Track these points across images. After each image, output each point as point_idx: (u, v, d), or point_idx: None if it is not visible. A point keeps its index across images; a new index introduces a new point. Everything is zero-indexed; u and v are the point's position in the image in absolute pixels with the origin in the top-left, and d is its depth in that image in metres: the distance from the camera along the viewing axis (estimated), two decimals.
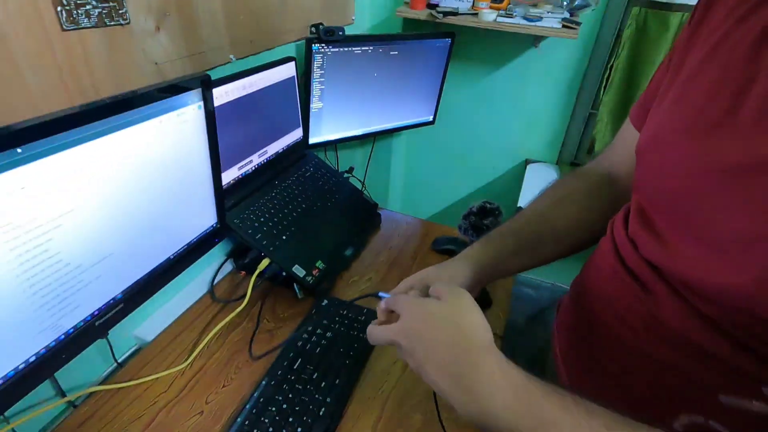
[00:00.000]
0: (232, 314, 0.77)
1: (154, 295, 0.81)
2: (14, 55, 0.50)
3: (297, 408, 0.65)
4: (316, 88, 1.07)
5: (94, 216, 0.55)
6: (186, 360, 0.72)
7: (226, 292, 0.88)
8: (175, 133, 0.63)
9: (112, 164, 0.55)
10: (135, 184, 0.59)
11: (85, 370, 0.70)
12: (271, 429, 0.62)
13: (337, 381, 0.70)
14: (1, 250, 0.45)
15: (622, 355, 0.45)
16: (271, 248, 0.86)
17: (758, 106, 0.35)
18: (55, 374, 0.65)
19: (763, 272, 0.32)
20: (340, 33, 1.03)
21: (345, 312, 0.83)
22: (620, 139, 0.57)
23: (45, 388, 0.65)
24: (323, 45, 1.01)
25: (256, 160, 0.95)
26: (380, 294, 0.52)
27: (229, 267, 0.95)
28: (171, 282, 0.86)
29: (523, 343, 0.80)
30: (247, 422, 0.63)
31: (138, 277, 0.66)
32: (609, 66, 1.50)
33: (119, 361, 0.74)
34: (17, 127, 0.43)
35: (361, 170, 1.48)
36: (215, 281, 0.90)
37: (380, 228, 1.11)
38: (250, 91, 0.88)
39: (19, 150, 0.44)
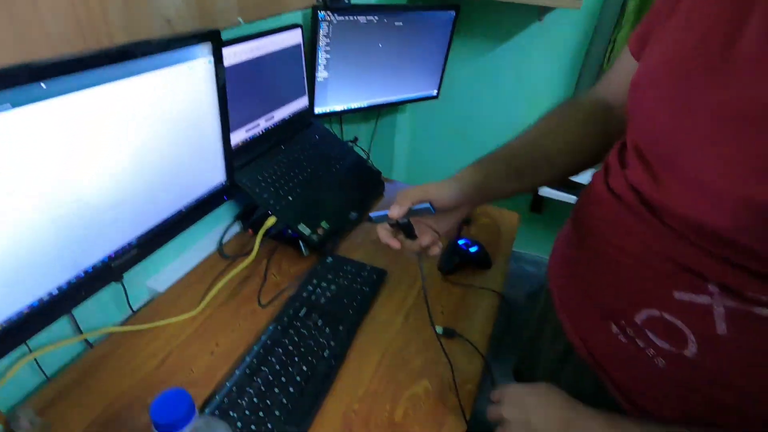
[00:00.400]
0: (241, 266, 0.80)
1: (167, 250, 0.85)
2: (37, 3, 0.52)
3: (302, 349, 0.69)
4: (321, 57, 1.09)
5: (111, 159, 0.58)
6: (197, 307, 0.76)
7: (235, 249, 0.91)
8: (187, 85, 0.66)
9: (128, 109, 0.57)
10: (148, 132, 0.62)
11: (102, 317, 0.74)
12: (278, 367, 0.66)
13: (340, 327, 0.73)
14: (28, 183, 0.48)
15: (601, 266, 0.49)
16: (278, 207, 0.89)
17: (746, 50, 0.36)
18: (75, 319, 0.69)
19: (738, 215, 0.36)
20: (346, 1, 1.05)
21: (349, 268, 0.86)
22: (617, 68, 0.58)
23: (64, 328, 0.68)
24: (329, 13, 1.03)
25: (263, 124, 0.98)
26: (371, 215, 0.56)
27: (236, 228, 0.98)
28: (182, 237, 0.89)
29: (521, 320, 0.83)
30: (255, 360, 0.66)
31: (151, 225, 0.69)
32: (613, 39, 1.50)
33: (134, 308, 0.77)
34: (41, 63, 0.46)
35: (365, 145, 1.50)
36: (224, 240, 0.93)
37: (383, 195, 1.14)
38: (257, 54, 0.90)
39: (43, 85, 0.47)
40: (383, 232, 0.58)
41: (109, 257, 0.64)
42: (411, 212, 0.54)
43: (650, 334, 0.44)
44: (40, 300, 0.55)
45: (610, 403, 0.51)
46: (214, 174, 0.80)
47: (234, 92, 0.85)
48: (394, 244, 0.57)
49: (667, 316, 0.42)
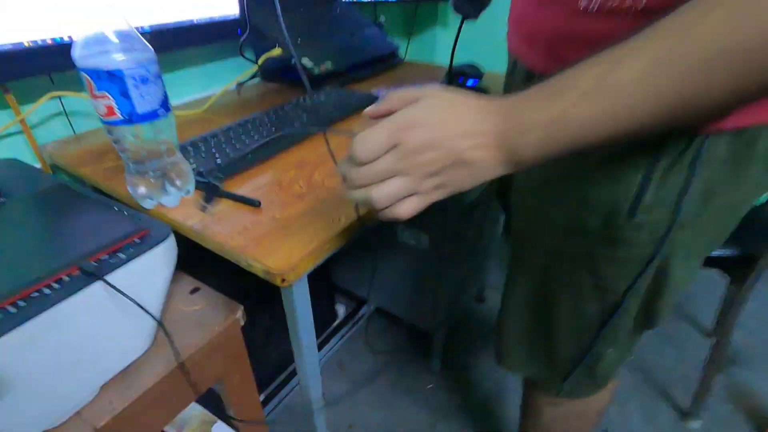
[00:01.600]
0: (239, 78, 0.89)
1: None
2: None
3: (268, 124, 0.75)
4: None
5: None
6: (202, 107, 0.86)
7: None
8: None
9: None
10: None
11: None
12: (239, 132, 0.73)
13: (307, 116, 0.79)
14: None
15: None
16: (286, 42, 0.97)
17: None
18: None
19: None
20: None
21: (342, 93, 0.91)
22: None
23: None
24: None
25: None
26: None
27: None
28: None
29: None
30: (232, 127, 0.74)
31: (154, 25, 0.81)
32: None
33: None
34: None
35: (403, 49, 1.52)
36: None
37: (401, 67, 1.18)
38: None
39: None
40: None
41: None
42: None
43: None
44: None
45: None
46: (227, 3, 0.91)
47: None
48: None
49: None
